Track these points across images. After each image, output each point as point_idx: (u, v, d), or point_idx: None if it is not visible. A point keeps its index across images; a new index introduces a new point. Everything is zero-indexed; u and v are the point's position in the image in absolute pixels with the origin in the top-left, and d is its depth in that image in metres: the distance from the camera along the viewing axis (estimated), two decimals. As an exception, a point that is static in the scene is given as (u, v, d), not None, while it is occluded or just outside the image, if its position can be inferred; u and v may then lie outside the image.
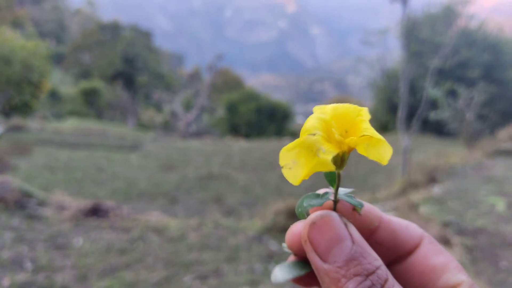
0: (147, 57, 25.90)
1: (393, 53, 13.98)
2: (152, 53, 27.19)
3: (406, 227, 0.46)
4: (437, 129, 14.68)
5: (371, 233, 0.44)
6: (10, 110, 13.85)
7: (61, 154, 9.92)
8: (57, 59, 27.69)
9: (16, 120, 13.75)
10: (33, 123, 14.46)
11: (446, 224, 4.43)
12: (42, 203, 4.65)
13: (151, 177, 8.50)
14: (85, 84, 23.44)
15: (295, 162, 0.37)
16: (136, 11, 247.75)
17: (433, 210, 5.09)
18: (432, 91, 10.87)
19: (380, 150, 0.38)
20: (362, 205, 0.42)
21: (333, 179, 0.42)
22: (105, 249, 3.57)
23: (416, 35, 11.81)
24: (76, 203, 4.69)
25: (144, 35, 28.18)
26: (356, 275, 0.38)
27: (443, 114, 11.24)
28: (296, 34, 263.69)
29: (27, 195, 4.72)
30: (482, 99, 12.28)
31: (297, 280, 0.44)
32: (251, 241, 3.93)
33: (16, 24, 25.87)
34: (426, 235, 0.46)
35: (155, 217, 4.68)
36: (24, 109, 14.00)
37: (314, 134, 0.38)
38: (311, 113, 0.42)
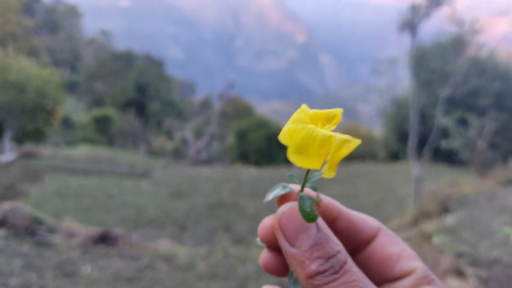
0: (159, 85, 26.41)
1: (403, 81, 14.03)
2: (164, 81, 27.72)
3: (364, 219, 0.51)
4: (449, 158, 14.53)
5: (332, 223, 0.49)
6: (23, 137, 14.10)
7: (72, 181, 10.00)
8: (71, 87, 28.37)
9: (28, 146, 13.98)
10: (45, 150, 14.67)
11: (459, 255, 4.32)
12: (52, 230, 4.66)
13: (160, 204, 8.50)
14: (97, 112, 23.88)
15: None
16: (149, 41, 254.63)
17: (446, 241, 4.98)
18: (443, 120, 10.84)
19: (347, 148, 0.43)
20: (320, 200, 0.47)
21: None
22: (114, 277, 3.54)
23: (426, 65, 11.90)
24: (85, 230, 4.69)
25: (156, 64, 28.84)
26: (318, 258, 0.43)
27: (454, 143, 11.16)
28: (305, 63, 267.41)
29: (37, 221, 4.74)
30: (493, 127, 12.19)
31: (270, 270, 0.50)
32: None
33: (32, 53, 26.71)
34: (383, 227, 0.51)
35: (164, 245, 4.65)
36: (37, 136, 14.25)
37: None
38: None
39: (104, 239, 4.49)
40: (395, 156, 18.56)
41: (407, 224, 6.54)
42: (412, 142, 9.34)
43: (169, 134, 24.85)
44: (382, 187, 11.32)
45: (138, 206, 8.17)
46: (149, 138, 23.99)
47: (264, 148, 20.24)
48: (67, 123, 20.10)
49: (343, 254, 0.45)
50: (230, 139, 22.88)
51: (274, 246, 0.49)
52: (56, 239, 4.44)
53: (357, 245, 0.51)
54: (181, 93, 37.67)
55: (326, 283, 0.42)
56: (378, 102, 17.64)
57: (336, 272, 0.42)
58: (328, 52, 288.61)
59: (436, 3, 10.79)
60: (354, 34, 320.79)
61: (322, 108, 0.48)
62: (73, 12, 44.79)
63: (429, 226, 5.83)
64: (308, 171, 0.46)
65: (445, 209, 6.92)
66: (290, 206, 0.47)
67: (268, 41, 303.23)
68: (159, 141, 23.48)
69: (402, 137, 16.14)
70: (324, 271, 0.43)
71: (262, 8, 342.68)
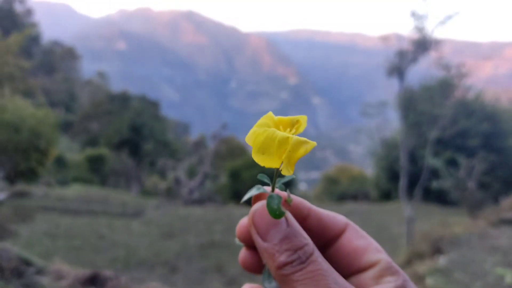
0: (153, 126, 26.64)
1: (392, 123, 14.31)
2: (159, 122, 27.99)
3: (333, 216, 0.56)
4: (440, 198, 14.58)
5: (303, 221, 0.53)
6: (15, 176, 14.00)
7: (62, 221, 9.88)
8: (65, 127, 28.50)
9: (20, 186, 13.84)
10: (37, 189, 14.54)
11: (453, 297, 4.31)
12: (40, 272, 4.59)
13: (151, 245, 8.39)
14: (91, 151, 23.88)
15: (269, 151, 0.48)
16: (145, 82, 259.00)
17: (440, 282, 4.97)
18: (432, 160, 11.00)
19: (303, 148, 0.48)
20: (291, 200, 0.52)
21: (272, 175, 0.53)
22: (102, 320, 3.48)
23: (414, 107, 12.20)
24: (74, 272, 4.62)
25: (151, 105, 29.24)
26: (287, 250, 0.48)
27: (444, 183, 11.25)
28: (297, 104, 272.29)
29: (26, 263, 4.67)
30: (483, 167, 12.36)
31: (248, 267, 0.55)
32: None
33: (28, 93, 27.00)
34: (350, 223, 0.55)
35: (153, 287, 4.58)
36: (29, 175, 14.16)
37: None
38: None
39: (93, 281, 4.42)
40: (387, 195, 18.58)
41: (400, 265, 6.49)
42: (402, 182, 9.43)
43: (162, 174, 24.80)
44: (374, 227, 11.29)
45: (128, 246, 8.05)
46: (141, 178, 23.86)
47: (257, 181, 20.11)
48: (60, 162, 20.05)
49: (310, 246, 0.49)
50: (223, 179, 22.84)
51: (251, 245, 0.54)
52: (44, 281, 4.37)
53: (327, 240, 0.55)
54: (175, 133, 37.93)
55: (293, 273, 0.46)
56: (369, 142, 17.89)
57: (302, 262, 0.47)
58: (319, 93, 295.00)
59: (423, 49, 11.26)
60: (344, 76, 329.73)
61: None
62: (71, 54, 45.75)
63: (422, 267, 5.81)
64: (277, 172, 0.51)
65: (437, 250, 6.91)
66: (262, 204, 0.51)
67: (261, 83, 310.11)
68: (152, 181, 23.38)
69: (393, 176, 16.24)
70: (291, 262, 0.47)
71: (255, 52, 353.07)
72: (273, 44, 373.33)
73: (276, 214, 0.49)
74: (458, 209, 12.79)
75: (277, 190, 0.53)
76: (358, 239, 0.54)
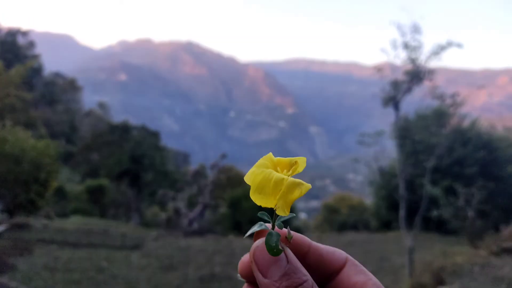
0: (154, 156, 26.72)
1: (390, 152, 14.40)
2: (159, 152, 28.09)
3: (332, 252, 0.57)
4: (440, 227, 14.48)
5: (303, 257, 0.55)
6: (15, 208, 13.94)
7: (62, 254, 9.81)
8: (66, 158, 28.56)
9: (19, 218, 13.77)
10: (36, 222, 14.46)
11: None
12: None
13: (151, 278, 8.32)
14: (91, 182, 23.86)
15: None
16: (145, 113, 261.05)
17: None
18: (431, 189, 11.02)
19: (298, 190, 0.52)
20: (291, 236, 0.55)
21: (271, 213, 0.57)
22: None
23: (410, 137, 12.30)
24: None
25: (151, 135, 29.45)
26: (287, 287, 0.49)
27: (444, 212, 11.23)
28: (295, 133, 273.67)
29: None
30: (481, 196, 12.34)
31: None
32: None
33: (29, 124, 27.22)
34: (350, 258, 0.57)
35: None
36: (29, 207, 14.10)
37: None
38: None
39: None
40: (387, 225, 18.42)
41: (402, 296, 6.47)
42: (402, 212, 9.43)
43: (162, 204, 24.69)
44: (376, 257, 11.20)
45: (128, 280, 7.98)
46: (141, 208, 23.74)
47: (257, 218, 19.98)
48: (60, 193, 20.01)
49: (309, 282, 0.51)
50: (223, 209, 22.72)
51: (252, 281, 0.55)
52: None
53: (327, 275, 0.56)
54: (175, 163, 37.97)
55: None
56: (367, 172, 17.94)
57: None
58: (317, 123, 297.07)
59: (417, 80, 11.50)
60: (341, 106, 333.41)
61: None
62: (72, 86, 46.39)
63: (424, 298, 5.79)
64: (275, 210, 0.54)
65: (440, 281, 6.86)
66: (263, 241, 0.52)
67: (260, 113, 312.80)
68: (152, 211, 23.23)
69: (393, 206, 16.14)
70: None
71: (253, 82, 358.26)
72: (271, 74, 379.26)
73: (274, 251, 0.51)
74: (458, 238, 12.71)
75: (277, 228, 0.54)
76: (357, 275, 0.55)
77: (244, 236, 0.56)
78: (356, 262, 0.57)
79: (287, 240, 0.54)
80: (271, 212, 0.55)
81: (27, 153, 13.75)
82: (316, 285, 0.52)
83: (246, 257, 0.56)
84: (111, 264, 9.33)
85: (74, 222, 16.60)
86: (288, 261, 0.52)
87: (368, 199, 23.42)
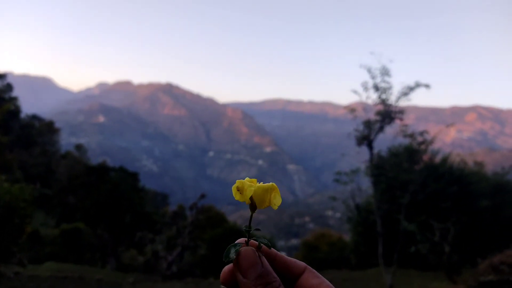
0: (132, 197, 26.26)
1: (366, 189, 14.60)
2: (137, 193, 27.64)
3: (294, 261, 0.75)
4: (418, 262, 14.51)
5: (271, 264, 0.73)
6: (-15, 256, 13.33)
7: (35, 302, 9.41)
8: (41, 201, 27.74)
9: (-11, 266, 13.15)
10: (7, 270, 13.85)
11: None
12: None
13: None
14: (66, 226, 23.11)
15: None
16: (124, 154, 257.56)
17: None
18: (407, 225, 11.24)
19: (275, 199, 0.76)
20: (260, 246, 0.74)
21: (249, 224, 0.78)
22: None
23: (384, 174, 12.60)
24: None
25: (130, 176, 29.04)
26: (261, 285, 0.67)
27: (421, 248, 11.36)
28: (274, 171, 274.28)
29: None
30: (457, 230, 12.51)
31: None
32: None
33: (4, 168, 26.51)
34: (308, 267, 0.75)
35: None
36: (0, 254, 13.52)
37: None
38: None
39: None
40: (366, 260, 18.32)
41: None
42: (380, 249, 9.55)
43: (140, 247, 24.03)
44: (357, 295, 11.18)
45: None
46: (118, 252, 23.02)
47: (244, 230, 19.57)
48: (34, 238, 19.31)
49: (278, 282, 0.69)
50: (202, 250, 22.26)
51: (232, 286, 0.73)
52: None
53: (290, 278, 0.74)
54: (154, 204, 37.32)
55: None
56: (344, 208, 18.08)
57: None
58: (295, 161, 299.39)
59: (388, 120, 12.04)
60: (317, 144, 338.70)
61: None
62: (49, 128, 45.74)
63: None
64: (250, 221, 0.76)
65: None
66: (245, 249, 0.71)
67: (239, 152, 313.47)
68: (130, 255, 22.54)
69: (371, 241, 16.11)
70: None
71: (232, 123, 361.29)
72: (249, 114, 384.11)
73: (225, 260, 0.73)
74: (437, 273, 12.83)
75: (252, 242, 0.75)
76: (314, 279, 0.73)
77: (223, 259, 0.73)
78: (313, 270, 0.74)
79: (259, 250, 0.74)
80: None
81: (0, 197, 13.37)
82: (282, 285, 0.71)
83: (226, 268, 0.74)
84: (88, 310, 9.01)
85: (48, 268, 15.96)
86: (262, 265, 0.70)
87: (347, 236, 23.45)
